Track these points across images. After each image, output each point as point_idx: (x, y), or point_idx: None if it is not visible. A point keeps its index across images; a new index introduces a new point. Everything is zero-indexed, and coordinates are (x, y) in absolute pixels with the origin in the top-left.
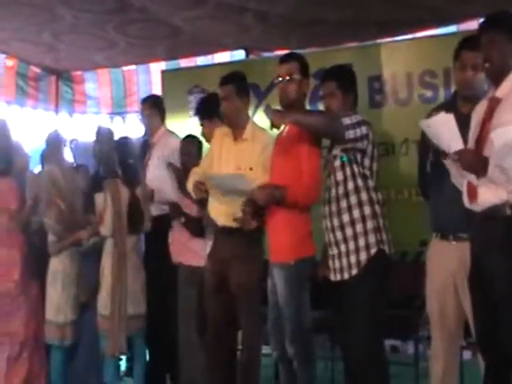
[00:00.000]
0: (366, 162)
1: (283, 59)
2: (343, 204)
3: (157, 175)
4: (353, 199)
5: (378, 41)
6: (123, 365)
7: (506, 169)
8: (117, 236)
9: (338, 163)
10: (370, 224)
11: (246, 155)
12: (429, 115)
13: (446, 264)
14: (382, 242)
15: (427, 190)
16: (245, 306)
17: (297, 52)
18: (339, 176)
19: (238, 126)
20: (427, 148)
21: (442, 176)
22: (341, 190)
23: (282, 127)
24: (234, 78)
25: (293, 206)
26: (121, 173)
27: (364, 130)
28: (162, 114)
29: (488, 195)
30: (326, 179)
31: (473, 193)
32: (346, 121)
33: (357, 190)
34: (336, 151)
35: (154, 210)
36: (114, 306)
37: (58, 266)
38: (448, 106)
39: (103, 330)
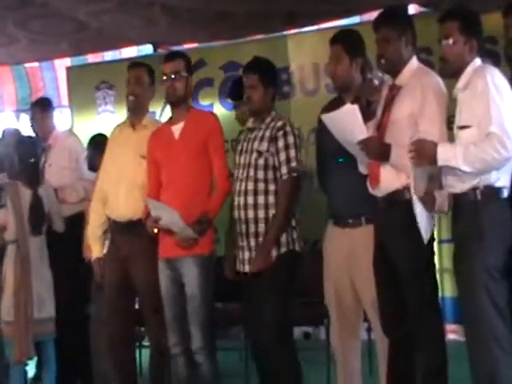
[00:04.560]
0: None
1: (168, 57)
2: (260, 200)
3: (57, 177)
4: (270, 198)
5: (285, 33)
6: (31, 371)
7: None
8: (19, 239)
9: (261, 162)
10: None
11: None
12: (324, 110)
13: (339, 249)
14: (292, 240)
15: (324, 180)
16: (151, 303)
17: (202, 47)
18: (259, 174)
19: (139, 112)
20: (324, 139)
21: (333, 165)
22: (260, 186)
23: (175, 128)
24: (143, 63)
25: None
26: (21, 173)
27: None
28: (53, 116)
29: (389, 180)
30: (243, 171)
31: (375, 179)
32: (293, 166)
33: (270, 190)
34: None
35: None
36: (18, 310)
37: None
38: (337, 101)
39: (8, 337)
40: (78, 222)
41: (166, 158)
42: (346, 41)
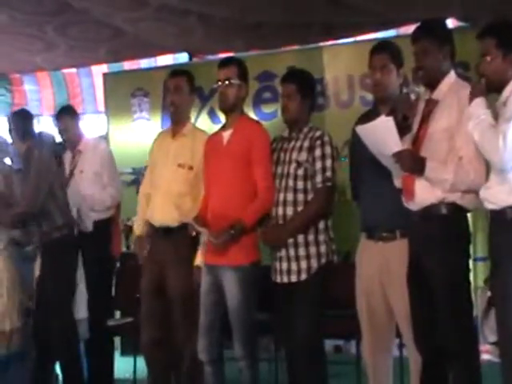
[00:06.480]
0: None
1: (222, 63)
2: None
3: (89, 184)
4: None
5: (321, 44)
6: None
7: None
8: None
9: (300, 172)
10: (321, 237)
11: (186, 152)
12: (358, 122)
13: (372, 262)
14: (332, 252)
15: (357, 192)
16: (183, 310)
17: (236, 56)
18: (299, 185)
19: (180, 121)
20: (358, 151)
21: (367, 178)
22: (300, 196)
23: (225, 134)
24: (184, 71)
25: (258, 223)
26: None
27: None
28: (79, 122)
29: (424, 194)
30: (281, 182)
31: (409, 192)
32: (328, 175)
33: None
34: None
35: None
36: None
37: (1, 273)
38: (371, 113)
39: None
40: (105, 225)
41: (214, 163)
42: (392, 50)
